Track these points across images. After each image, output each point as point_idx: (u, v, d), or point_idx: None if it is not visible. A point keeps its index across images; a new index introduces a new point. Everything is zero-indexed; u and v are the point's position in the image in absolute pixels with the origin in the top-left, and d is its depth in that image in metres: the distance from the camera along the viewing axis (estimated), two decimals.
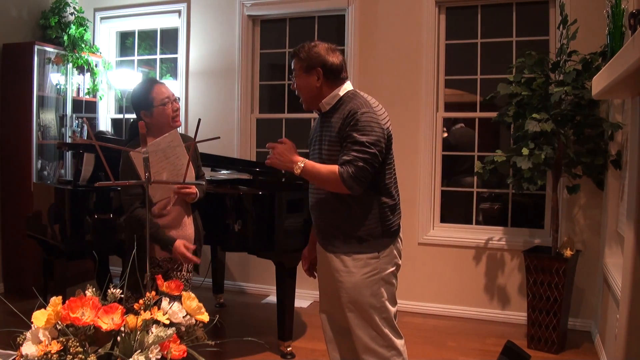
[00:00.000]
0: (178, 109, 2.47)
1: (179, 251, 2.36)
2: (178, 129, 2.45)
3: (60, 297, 1.08)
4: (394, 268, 2.12)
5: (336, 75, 2.10)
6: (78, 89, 4.87)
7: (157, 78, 5.13)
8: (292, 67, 2.15)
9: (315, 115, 2.35)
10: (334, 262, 2.11)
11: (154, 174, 2.24)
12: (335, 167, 1.98)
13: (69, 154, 4.73)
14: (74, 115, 4.78)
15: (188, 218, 2.52)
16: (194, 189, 2.46)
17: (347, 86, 2.12)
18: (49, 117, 4.59)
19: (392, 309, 2.12)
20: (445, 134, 4.26)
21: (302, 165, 2.00)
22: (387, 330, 2.09)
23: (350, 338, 2.16)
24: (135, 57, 5.23)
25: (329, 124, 2.08)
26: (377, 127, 1.98)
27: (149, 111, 2.41)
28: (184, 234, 2.47)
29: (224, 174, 4.24)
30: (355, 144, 1.95)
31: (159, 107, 2.39)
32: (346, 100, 2.07)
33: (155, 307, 1.16)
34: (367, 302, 2.07)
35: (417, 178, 4.18)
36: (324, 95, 2.10)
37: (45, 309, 1.06)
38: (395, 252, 2.13)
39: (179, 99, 2.46)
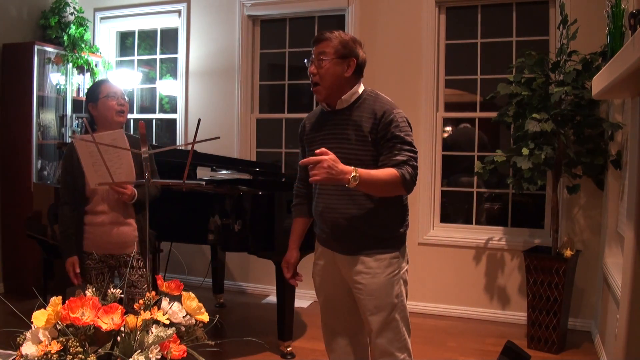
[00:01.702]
0: (124, 105, 2.52)
1: (67, 267, 2.43)
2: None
3: (60, 297, 1.08)
4: (407, 265, 2.11)
5: (361, 71, 2.06)
6: (78, 89, 4.87)
7: (157, 78, 5.15)
8: (322, 50, 1.97)
9: None
10: (354, 265, 2.02)
11: (93, 165, 2.25)
12: (393, 171, 1.87)
13: None
14: (74, 115, 4.78)
15: (127, 220, 2.51)
16: (129, 189, 2.42)
17: (362, 85, 2.08)
18: (49, 117, 4.59)
19: (407, 307, 2.10)
20: (445, 134, 4.25)
21: (357, 174, 1.78)
22: (404, 329, 2.05)
23: (360, 343, 2.14)
24: (135, 57, 5.23)
25: (348, 122, 1.99)
26: (410, 128, 2.00)
27: (95, 103, 2.49)
28: (118, 234, 2.48)
29: (224, 174, 4.24)
30: (405, 144, 1.93)
31: (103, 98, 2.47)
32: (368, 98, 2.01)
33: (155, 307, 1.16)
34: (391, 303, 2.00)
35: (417, 178, 4.16)
36: (345, 90, 2.00)
37: (45, 309, 1.06)
38: (406, 249, 2.12)
39: (126, 98, 2.52)
